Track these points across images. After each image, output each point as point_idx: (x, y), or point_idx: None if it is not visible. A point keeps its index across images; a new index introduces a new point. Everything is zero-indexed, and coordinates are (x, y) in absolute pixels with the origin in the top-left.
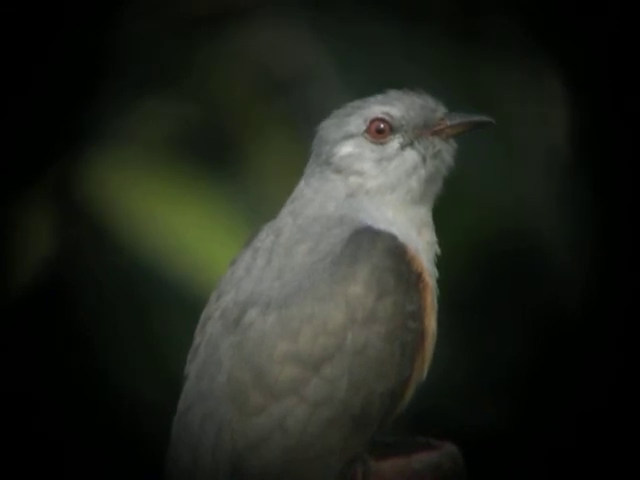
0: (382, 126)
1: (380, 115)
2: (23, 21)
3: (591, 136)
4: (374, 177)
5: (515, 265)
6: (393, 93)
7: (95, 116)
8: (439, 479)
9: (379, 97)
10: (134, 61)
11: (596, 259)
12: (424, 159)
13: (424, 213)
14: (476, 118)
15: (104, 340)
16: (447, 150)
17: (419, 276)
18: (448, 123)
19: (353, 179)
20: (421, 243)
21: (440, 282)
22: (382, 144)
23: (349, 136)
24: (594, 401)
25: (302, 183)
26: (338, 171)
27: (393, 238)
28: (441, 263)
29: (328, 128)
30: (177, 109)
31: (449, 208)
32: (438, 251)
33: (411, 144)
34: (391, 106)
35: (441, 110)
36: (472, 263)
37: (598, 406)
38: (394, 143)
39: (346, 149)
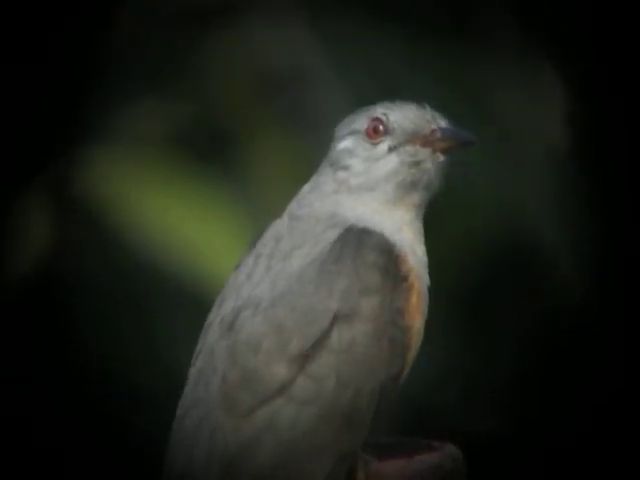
0: (378, 126)
1: (379, 115)
2: (20, 20)
3: (591, 138)
4: (358, 175)
5: (515, 268)
6: (399, 100)
7: (94, 114)
8: None
9: (386, 102)
10: (132, 59)
11: (597, 264)
12: (403, 166)
13: (408, 218)
14: (463, 137)
15: (103, 335)
16: (432, 162)
17: (406, 276)
18: (438, 136)
19: (340, 174)
20: (410, 245)
21: (439, 285)
22: (374, 144)
23: (352, 132)
24: (595, 404)
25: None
26: (331, 164)
27: (381, 236)
28: (443, 265)
29: (340, 126)
30: (175, 107)
31: (449, 209)
32: (426, 260)
33: (397, 149)
34: (390, 110)
35: (437, 123)
36: (472, 265)
37: (599, 409)
38: (384, 145)
39: (345, 144)
